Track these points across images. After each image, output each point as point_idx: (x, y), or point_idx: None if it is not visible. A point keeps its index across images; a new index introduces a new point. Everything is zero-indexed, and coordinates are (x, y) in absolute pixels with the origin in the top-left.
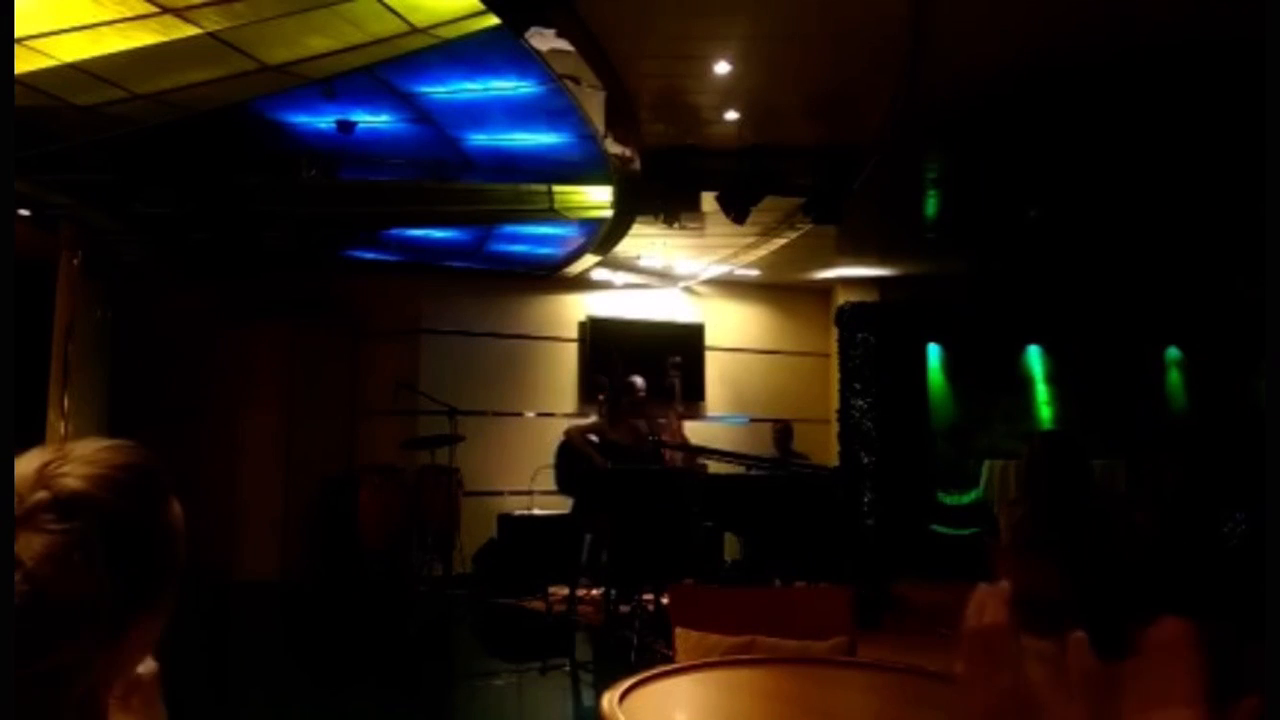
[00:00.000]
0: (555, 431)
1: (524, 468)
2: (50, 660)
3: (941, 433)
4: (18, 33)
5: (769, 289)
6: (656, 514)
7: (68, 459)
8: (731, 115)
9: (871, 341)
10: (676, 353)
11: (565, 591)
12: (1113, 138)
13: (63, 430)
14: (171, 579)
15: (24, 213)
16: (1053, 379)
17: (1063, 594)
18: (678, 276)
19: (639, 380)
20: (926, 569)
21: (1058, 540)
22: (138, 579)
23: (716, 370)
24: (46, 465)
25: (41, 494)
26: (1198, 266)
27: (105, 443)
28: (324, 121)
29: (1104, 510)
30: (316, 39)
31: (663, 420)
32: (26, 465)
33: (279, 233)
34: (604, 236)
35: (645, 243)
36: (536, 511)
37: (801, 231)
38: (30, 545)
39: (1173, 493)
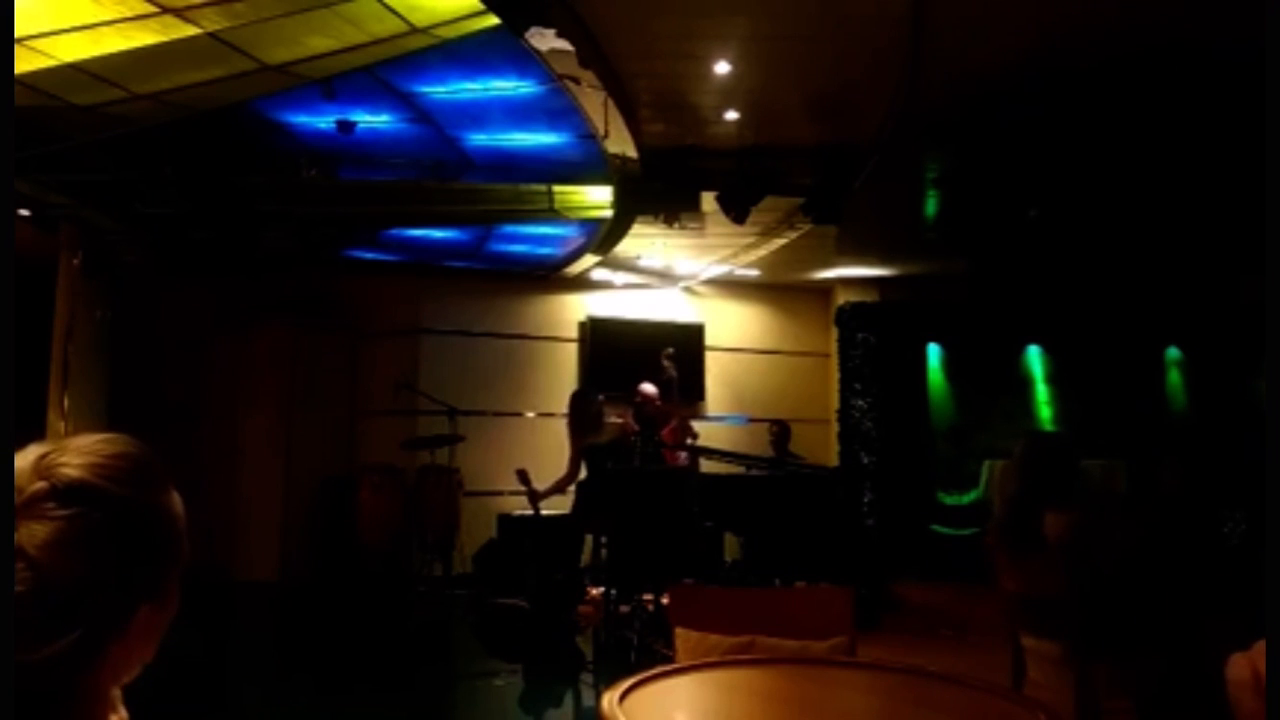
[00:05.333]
0: (555, 431)
1: (524, 468)
2: (56, 646)
3: (941, 433)
4: (18, 33)
5: (769, 289)
6: (656, 514)
7: (65, 451)
8: (731, 115)
9: (871, 341)
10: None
11: None
12: (1113, 138)
13: (63, 430)
14: (174, 568)
15: (24, 213)
16: (1053, 379)
17: (1058, 594)
18: (678, 276)
19: (649, 388)
20: (926, 569)
21: (1031, 539)
22: (140, 565)
23: (716, 370)
24: (44, 457)
25: (40, 484)
26: (1198, 267)
27: (100, 435)
28: (324, 121)
29: (1092, 510)
30: (316, 39)
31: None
32: (23, 459)
33: (279, 233)
34: (604, 236)
35: (645, 243)
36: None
37: (801, 231)
38: (33, 533)
39: (1173, 493)
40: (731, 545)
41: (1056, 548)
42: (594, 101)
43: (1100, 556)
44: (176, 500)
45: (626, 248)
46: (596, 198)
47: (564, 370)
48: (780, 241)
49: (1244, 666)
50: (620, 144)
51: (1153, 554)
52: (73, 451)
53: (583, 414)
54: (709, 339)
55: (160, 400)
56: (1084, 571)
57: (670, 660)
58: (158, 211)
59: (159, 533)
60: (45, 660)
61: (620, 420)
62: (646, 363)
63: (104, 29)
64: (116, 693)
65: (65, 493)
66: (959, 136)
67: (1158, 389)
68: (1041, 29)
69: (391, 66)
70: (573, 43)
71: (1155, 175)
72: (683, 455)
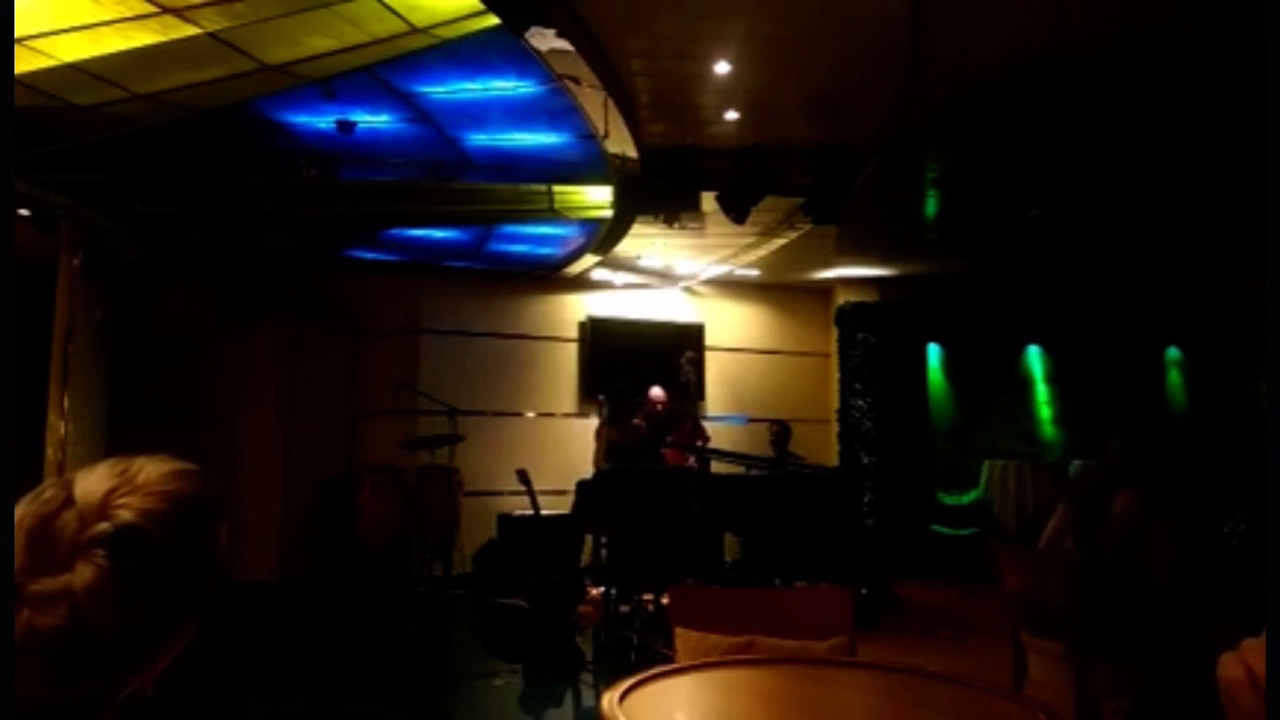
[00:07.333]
0: (555, 431)
1: (524, 467)
2: (78, 690)
3: (941, 433)
4: (18, 33)
5: (769, 289)
6: (656, 514)
7: (133, 487)
8: (731, 115)
9: (871, 341)
10: (677, 353)
11: None
12: (1113, 138)
13: (62, 430)
14: (204, 608)
15: (24, 213)
16: (1053, 379)
17: (1061, 594)
18: (678, 276)
19: (657, 392)
20: (926, 569)
21: (1100, 515)
22: (177, 618)
23: (716, 370)
24: (113, 493)
25: (103, 526)
26: (1198, 267)
27: (172, 469)
28: (324, 121)
29: (1159, 489)
30: (316, 39)
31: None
32: (99, 485)
33: (279, 233)
34: (604, 236)
35: (645, 243)
36: None
37: (801, 231)
38: (84, 577)
39: (1184, 492)
40: (731, 545)
41: (1122, 524)
42: (594, 101)
43: (1100, 558)
44: (223, 541)
45: (626, 248)
46: (596, 198)
47: (564, 370)
48: (780, 241)
49: (1237, 664)
50: (620, 144)
51: (1158, 552)
52: (140, 491)
53: (618, 406)
54: (709, 339)
55: (160, 400)
56: (1084, 572)
57: (670, 660)
58: (158, 211)
59: (199, 582)
60: (65, 701)
61: (637, 423)
62: (646, 363)
63: (104, 29)
64: None
65: (119, 540)
66: (959, 136)
67: (1158, 389)
68: (1041, 29)
69: (391, 66)
70: (573, 43)
71: (1155, 175)
72: (690, 457)
